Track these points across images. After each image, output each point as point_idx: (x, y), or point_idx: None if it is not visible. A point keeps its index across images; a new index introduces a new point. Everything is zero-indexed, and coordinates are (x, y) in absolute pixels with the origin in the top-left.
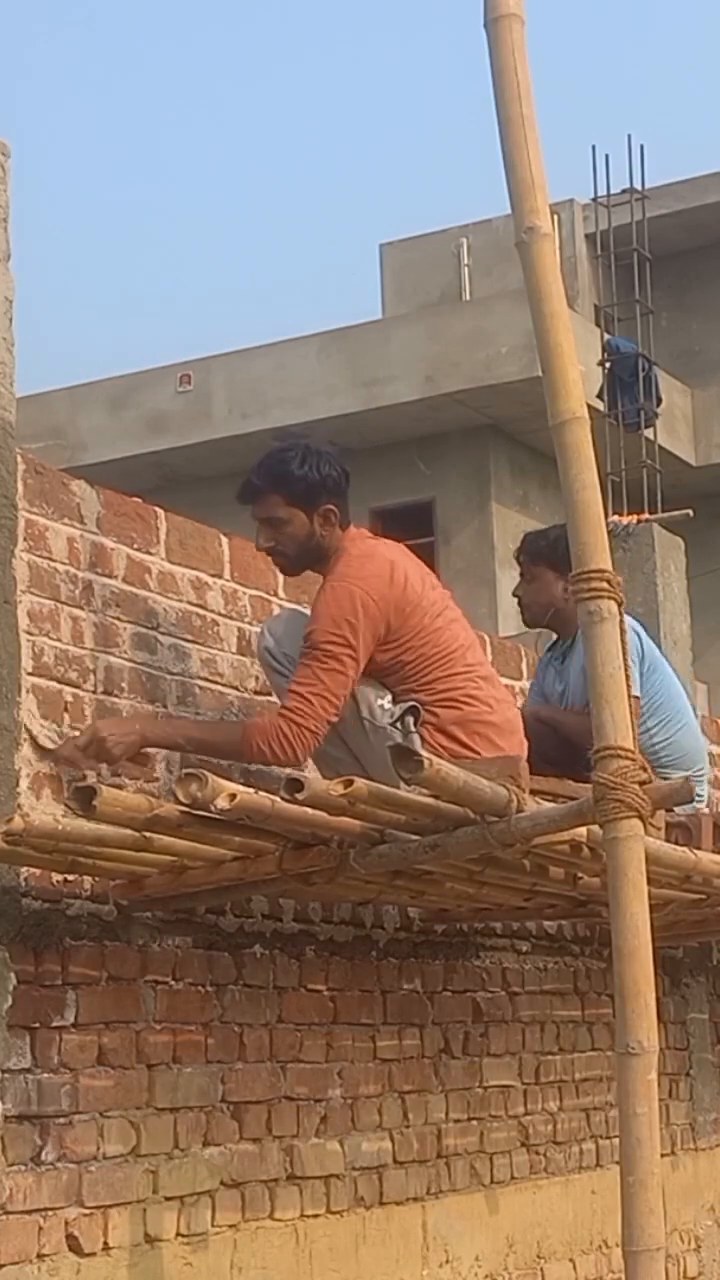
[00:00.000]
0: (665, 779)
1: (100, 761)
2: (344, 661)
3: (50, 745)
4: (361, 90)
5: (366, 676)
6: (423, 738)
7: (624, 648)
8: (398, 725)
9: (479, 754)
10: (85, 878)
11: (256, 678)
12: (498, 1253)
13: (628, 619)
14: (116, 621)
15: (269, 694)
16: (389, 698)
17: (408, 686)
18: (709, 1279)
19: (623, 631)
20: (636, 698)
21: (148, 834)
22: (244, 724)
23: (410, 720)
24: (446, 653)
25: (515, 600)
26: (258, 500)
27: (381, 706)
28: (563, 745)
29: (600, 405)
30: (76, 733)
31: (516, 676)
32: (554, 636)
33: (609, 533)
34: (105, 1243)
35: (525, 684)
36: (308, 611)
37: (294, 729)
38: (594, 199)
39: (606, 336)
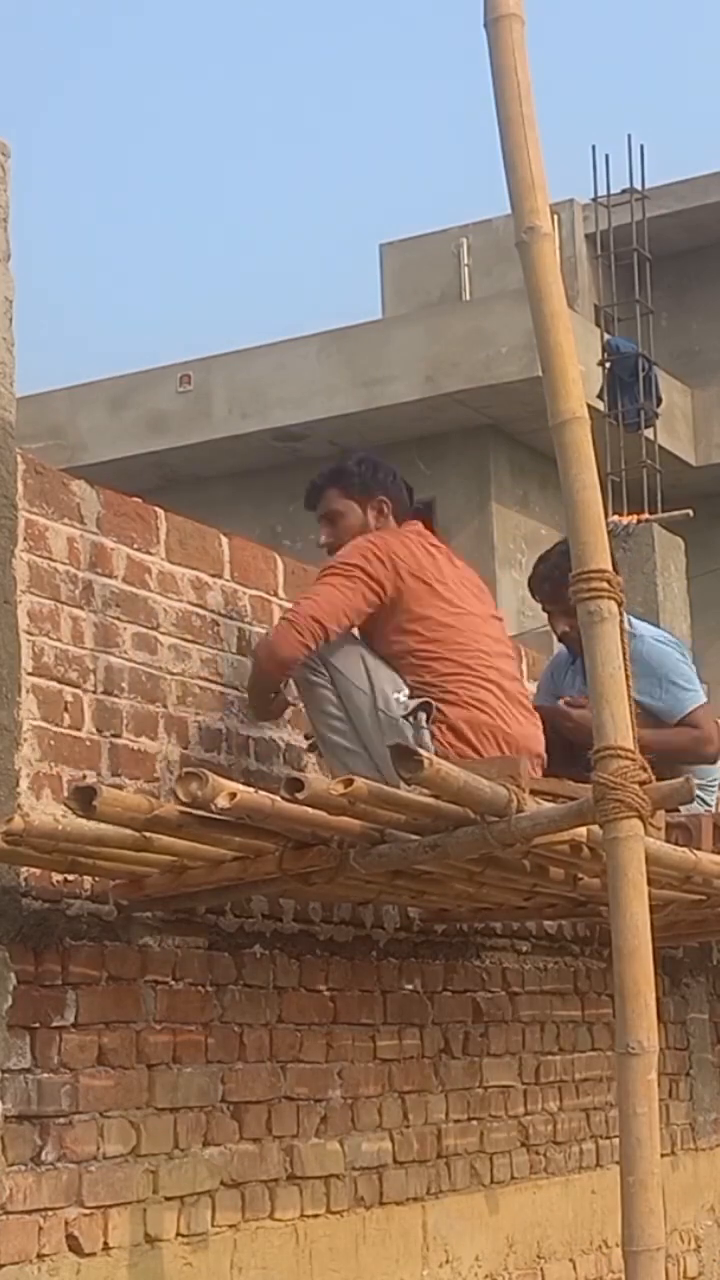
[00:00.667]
0: None
1: None
2: (343, 579)
3: None
4: (361, 90)
5: (385, 668)
6: (434, 735)
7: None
8: (409, 719)
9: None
10: (85, 878)
11: None
12: (498, 1253)
13: (652, 628)
14: (116, 621)
15: None
16: (406, 692)
17: (425, 681)
18: (709, 1279)
19: (623, 633)
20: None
21: (148, 834)
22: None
23: (423, 716)
24: (471, 650)
25: (567, 643)
26: (319, 498)
27: (397, 700)
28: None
29: (600, 405)
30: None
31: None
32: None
33: (609, 533)
34: (105, 1243)
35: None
36: None
37: (280, 625)
38: (594, 199)
39: (606, 336)
